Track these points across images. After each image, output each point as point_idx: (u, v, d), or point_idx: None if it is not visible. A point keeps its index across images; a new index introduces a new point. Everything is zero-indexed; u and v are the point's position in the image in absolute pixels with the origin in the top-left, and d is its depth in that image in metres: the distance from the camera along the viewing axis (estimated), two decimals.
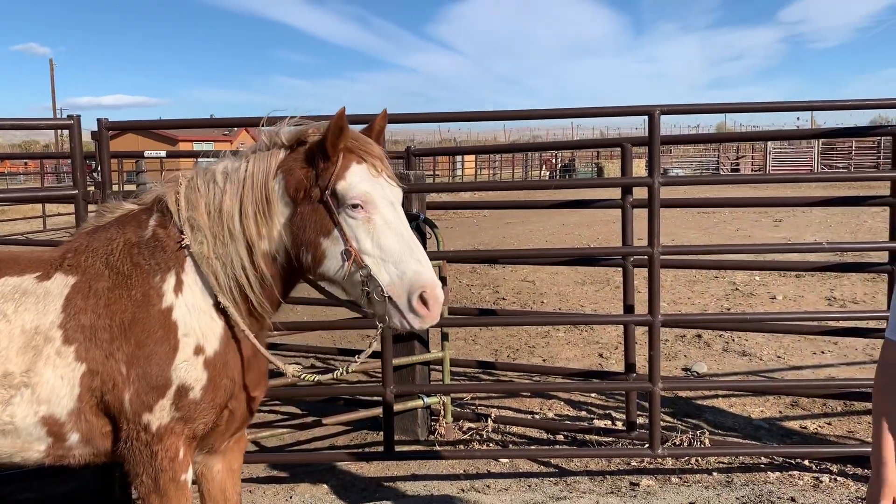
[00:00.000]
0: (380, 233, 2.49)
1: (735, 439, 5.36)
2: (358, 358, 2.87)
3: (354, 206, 2.49)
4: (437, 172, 38.10)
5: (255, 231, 2.62)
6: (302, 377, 3.04)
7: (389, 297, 2.47)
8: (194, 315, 2.63)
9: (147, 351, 2.56)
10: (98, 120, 4.48)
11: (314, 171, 2.54)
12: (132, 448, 2.58)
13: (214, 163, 2.80)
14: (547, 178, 42.79)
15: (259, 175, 2.61)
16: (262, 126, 2.84)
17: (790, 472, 4.75)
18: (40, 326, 2.55)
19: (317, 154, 2.55)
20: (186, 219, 2.67)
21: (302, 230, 2.58)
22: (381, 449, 4.85)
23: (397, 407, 5.09)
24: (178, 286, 2.64)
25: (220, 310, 2.66)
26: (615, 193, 5.33)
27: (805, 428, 5.58)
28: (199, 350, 2.62)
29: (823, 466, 4.79)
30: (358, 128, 2.71)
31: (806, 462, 4.86)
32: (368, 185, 2.52)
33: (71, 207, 4.63)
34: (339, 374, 3.14)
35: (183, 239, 2.65)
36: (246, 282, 2.63)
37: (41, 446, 2.61)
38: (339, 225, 2.51)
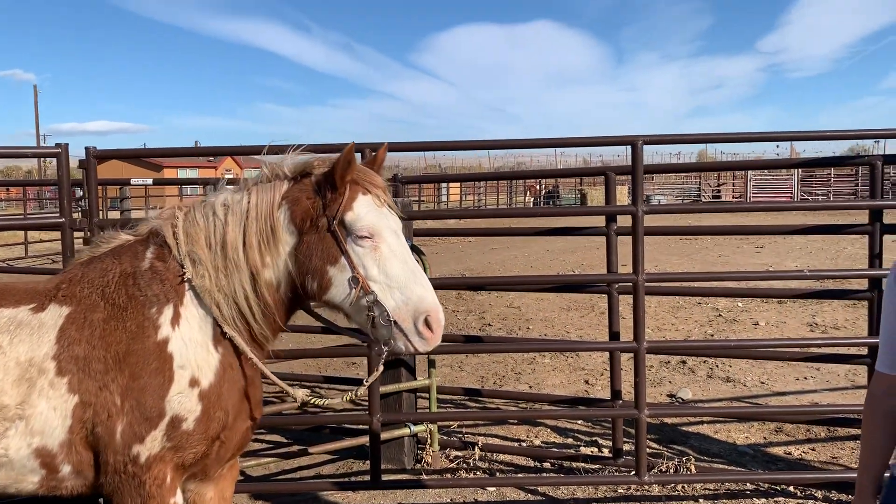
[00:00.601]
0: (386, 260, 2.60)
1: (721, 466, 5.39)
2: (367, 381, 3.01)
3: (362, 236, 2.60)
4: (422, 199, 38.20)
5: (260, 261, 2.67)
6: (312, 402, 3.08)
7: (395, 322, 2.57)
8: (191, 348, 2.64)
9: (141, 383, 2.56)
10: (86, 148, 4.50)
11: (321, 202, 2.63)
12: (120, 480, 2.56)
13: (212, 195, 2.83)
14: (532, 204, 43.03)
15: (263, 206, 2.67)
16: (264, 154, 2.91)
17: (775, 499, 4.77)
18: (34, 358, 2.54)
19: (325, 185, 2.64)
20: (187, 253, 2.69)
21: (308, 259, 2.65)
22: (367, 478, 4.83)
23: (384, 435, 5.07)
24: (176, 318, 2.65)
25: (217, 342, 2.68)
26: (600, 221, 5.40)
27: (789, 454, 5.62)
28: (194, 382, 2.62)
29: (808, 492, 4.82)
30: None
31: (791, 488, 4.89)
32: (375, 216, 2.64)
33: (53, 234, 4.62)
34: (348, 397, 3.18)
35: (183, 272, 2.67)
36: (249, 311, 2.68)
37: (35, 478, 2.60)
38: (347, 253, 2.60)
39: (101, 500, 4.07)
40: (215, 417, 2.66)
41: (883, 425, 2.15)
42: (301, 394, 2.98)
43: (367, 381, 3.02)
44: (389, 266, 2.60)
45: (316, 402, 3.11)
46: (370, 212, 2.63)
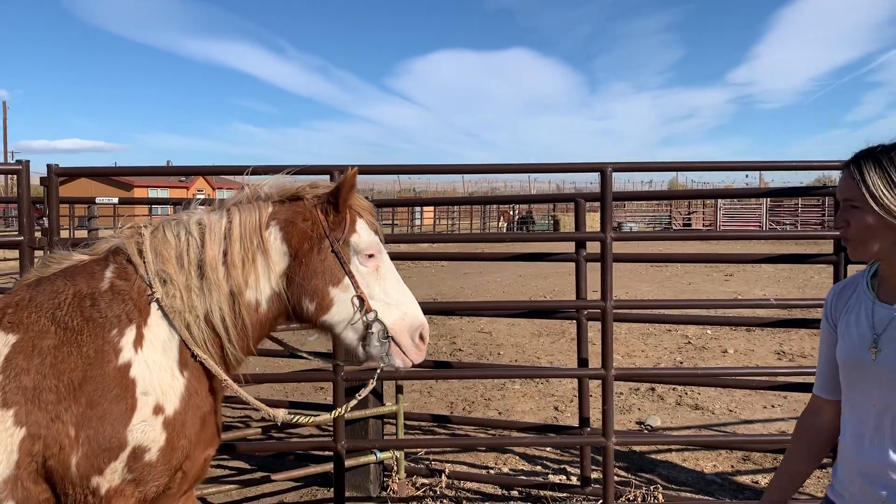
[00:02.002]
0: (384, 280, 2.73)
1: (688, 494, 5.36)
2: (359, 395, 2.95)
3: (368, 256, 2.71)
4: (395, 222, 38.21)
5: (243, 281, 2.61)
6: (294, 420, 2.99)
7: (392, 337, 2.69)
8: (154, 372, 2.51)
9: (100, 411, 2.41)
10: (48, 165, 4.40)
11: (322, 225, 2.67)
12: None
13: (183, 214, 2.74)
14: (504, 229, 43.20)
15: (248, 227, 2.63)
16: (247, 174, 2.91)
17: None
18: None
19: (327, 208, 2.69)
20: (156, 272, 2.58)
21: (308, 280, 2.65)
22: None
23: (349, 462, 4.98)
24: (139, 341, 2.51)
25: (183, 367, 2.58)
26: (570, 247, 5.40)
27: (757, 483, 5.61)
28: (158, 409, 2.49)
29: None
30: (319, 178, 2.86)
31: None
32: (374, 238, 2.75)
33: (17, 253, 4.51)
34: (336, 413, 3.18)
35: (150, 292, 2.57)
36: (225, 333, 2.61)
37: None
38: (351, 274, 2.67)
39: None
40: (179, 447, 2.54)
41: (796, 441, 2.33)
42: (282, 413, 2.90)
43: (359, 395, 2.96)
44: (388, 285, 2.72)
45: (300, 420, 3.03)
46: (370, 234, 2.74)
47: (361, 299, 2.65)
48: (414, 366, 2.82)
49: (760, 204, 41.34)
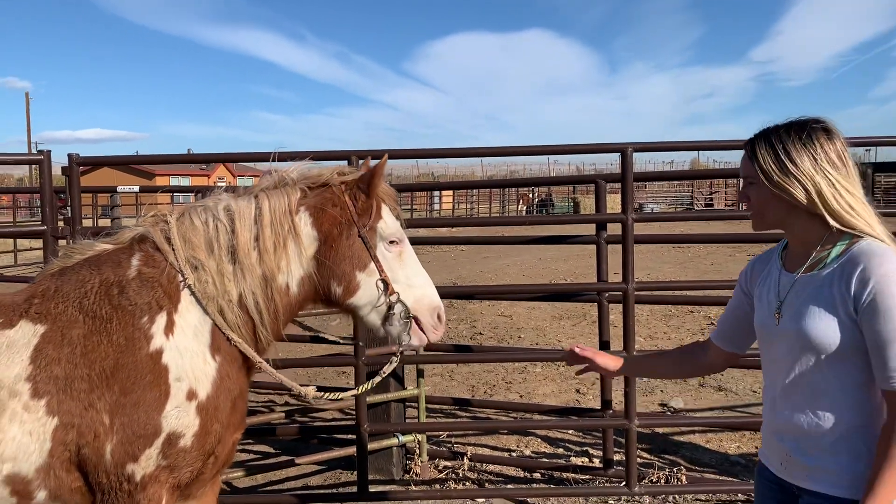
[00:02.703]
0: (406, 264, 2.81)
1: (712, 476, 5.34)
2: (383, 372, 3.03)
3: (392, 242, 2.78)
4: (414, 207, 38.21)
5: (276, 265, 2.65)
6: (323, 397, 3.05)
7: (413, 318, 2.78)
8: (186, 358, 2.53)
9: (134, 398, 2.43)
10: (69, 155, 4.43)
11: (350, 210, 2.73)
12: (113, 499, 2.44)
13: (209, 200, 2.76)
14: (524, 212, 43.03)
15: (279, 211, 2.67)
16: (272, 160, 2.98)
17: None
18: (3, 380, 2.40)
19: (356, 194, 2.75)
20: (186, 258, 2.60)
21: (337, 264, 2.72)
22: (355, 489, 4.76)
23: (372, 445, 5.01)
24: (170, 327, 2.53)
25: (215, 351, 2.60)
26: (591, 229, 5.37)
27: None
28: (191, 395, 2.51)
29: None
30: (339, 163, 2.86)
31: None
32: (398, 225, 2.83)
33: (41, 242, 4.56)
34: (362, 389, 3.25)
35: (183, 278, 2.58)
36: (258, 317, 2.65)
37: None
38: (377, 258, 2.74)
39: None
40: (212, 431, 2.56)
41: (678, 351, 2.75)
42: (311, 391, 2.97)
43: (383, 372, 3.03)
44: (409, 269, 2.81)
45: (328, 397, 3.10)
46: (394, 220, 2.82)
47: (386, 283, 2.73)
48: (430, 345, 2.91)
49: None
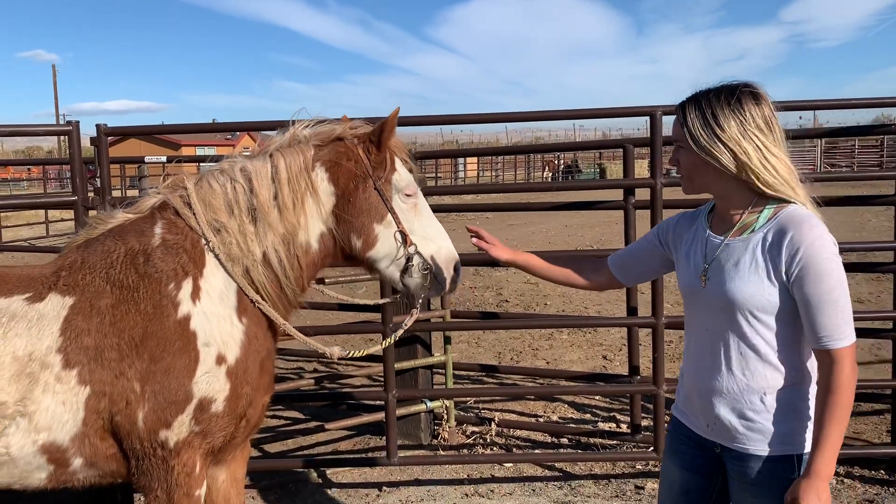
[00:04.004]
0: (422, 216, 2.81)
1: None
2: (405, 324, 3.04)
3: (408, 194, 2.78)
4: (439, 175, 38.10)
5: (296, 222, 2.65)
6: (348, 354, 3.08)
7: (431, 269, 2.78)
8: (214, 322, 2.55)
9: (164, 365, 2.46)
10: (97, 125, 4.47)
11: (365, 164, 2.72)
12: (147, 465, 2.49)
13: (223, 163, 2.76)
14: (550, 179, 42.70)
15: (295, 168, 2.66)
16: (293, 123, 2.88)
17: None
18: (35, 352, 2.43)
19: (369, 147, 2.74)
20: (208, 222, 2.60)
21: (355, 217, 2.72)
22: (384, 454, 4.83)
23: (400, 411, 5.06)
24: (196, 293, 2.54)
25: (241, 314, 2.61)
26: (618, 194, 5.30)
27: None
28: (220, 359, 2.53)
29: None
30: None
31: None
32: (411, 177, 2.82)
33: (72, 213, 4.62)
34: (386, 343, 3.27)
35: (205, 242, 2.59)
36: (284, 275, 2.66)
37: (41, 474, 2.50)
38: (393, 210, 2.74)
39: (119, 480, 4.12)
40: (242, 394, 2.59)
41: (575, 259, 2.82)
42: (336, 350, 2.99)
43: (405, 325, 3.04)
44: (425, 221, 2.81)
45: (353, 354, 3.13)
46: (407, 172, 2.81)
47: (404, 234, 2.73)
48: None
49: (815, 145, 40.02)
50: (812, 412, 2.11)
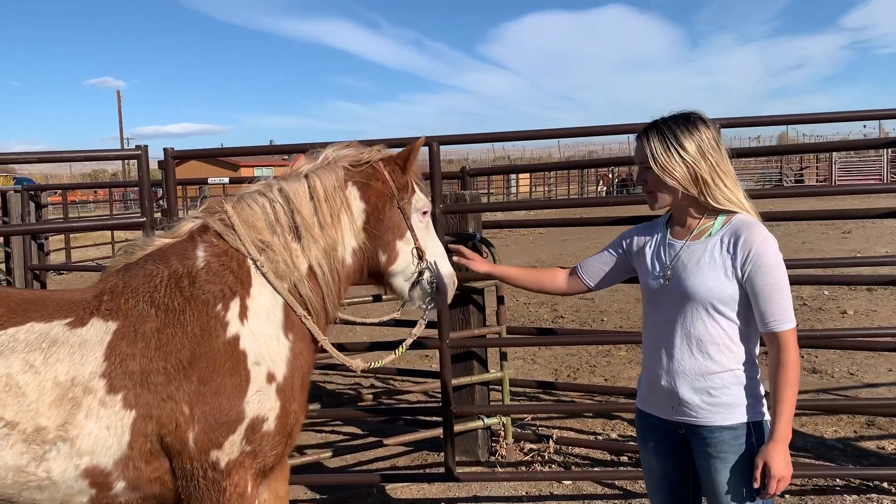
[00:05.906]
0: (431, 235, 3.08)
1: (807, 460, 5.18)
2: (414, 332, 3.28)
3: (424, 213, 3.03)
4: (491, 191, 38.10)
5: (335, 236, 2.81)
6: (370, 366, 3.24)
7: (437, 283, 3.05)
8: (262, 341, 2.58)
9: (214, 386, 2.47)
10: (164, 149, 4.64)
11: (391, 184, 2.94)
12: (197, 486, 2.49)
13: (259, 185, 2.84)
14: (604, 193, 42.28)
15: (330, 187, 2.81)
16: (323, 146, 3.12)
17: (868, 495, 4.56)
18: (78, 377, 2.41)
19: (395, 170, 2.98)
20: (253, 241, 2.66)
21: (383, 233, 2.93)
22: (441, 470, 4.84)
23: (457, 427, 5.07)
24: (244, 312, 2.57)
25: (287, 331, 2.66)
26: None
27: (883, 448, 5.35)
28: (271, 378, 2.56)
29: None
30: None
31: (885, 484, 4.65)
32: (426, 198, 3.07)
33: (138, 233, 4.79)
34: (399, 351, 3.39)
35: (252, 262, 2.65)
36: (327, 289, 2.79)
37: (83, 498, 2.47)
38: (412, 228, 2.98)
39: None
40: (291, 411, 2.61)
41: (542, 271, 3.08)
42: (359, 363, 3.17)
43: (413, 333, 3.27)
44: (432, 238, 3.08)
45: (376, 364, 3.27)
46: (421, 193, 3.05)
47: (420, 251, 2.98)
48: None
49: (880, 155, 38.72)
50: (759, 388, 2.53)
